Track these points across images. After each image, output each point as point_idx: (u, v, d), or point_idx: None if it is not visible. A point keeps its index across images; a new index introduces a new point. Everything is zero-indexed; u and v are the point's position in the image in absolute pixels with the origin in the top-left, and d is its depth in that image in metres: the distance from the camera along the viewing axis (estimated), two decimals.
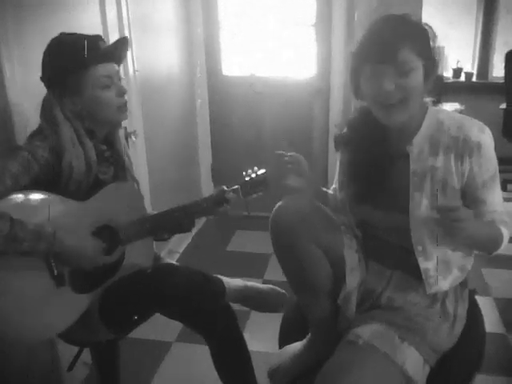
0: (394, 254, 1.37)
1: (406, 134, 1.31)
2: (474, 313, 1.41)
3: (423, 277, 1.30)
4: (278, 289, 1.75)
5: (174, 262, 1.76)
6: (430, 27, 1.28)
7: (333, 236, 1.34)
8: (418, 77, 1.21)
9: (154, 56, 2.78)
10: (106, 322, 1.47)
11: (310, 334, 1.41)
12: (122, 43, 1.51)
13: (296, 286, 1.40)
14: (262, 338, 2.20)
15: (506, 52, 3.39)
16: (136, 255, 1.53)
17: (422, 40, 1.24)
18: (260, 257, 3.10)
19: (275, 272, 2.88)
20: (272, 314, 1.73)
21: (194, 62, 3.34)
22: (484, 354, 1.37)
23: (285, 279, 2.82)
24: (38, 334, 1.38)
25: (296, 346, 1.44)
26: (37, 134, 1.44)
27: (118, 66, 1.51)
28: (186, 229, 1.62)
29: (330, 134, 3.40)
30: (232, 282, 1.66)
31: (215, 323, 1.55)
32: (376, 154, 1.34)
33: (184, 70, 3.23)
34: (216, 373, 1.68)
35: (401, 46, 1.18)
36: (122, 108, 1.49)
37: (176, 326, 2.42)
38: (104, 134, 1.54)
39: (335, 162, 3.41)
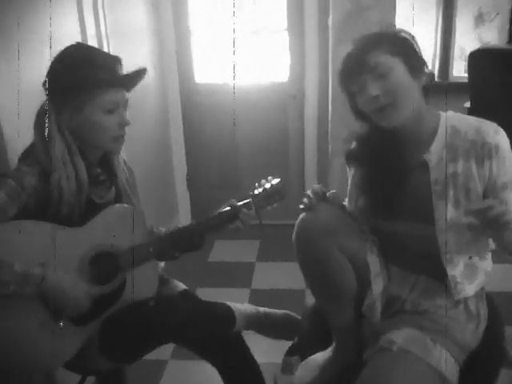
0: (417, 260, 1.36)
1: (421, 143, 1.31)
2: (492, 311, 1.42)
3: (451, 284, 1.30)
4: (293, 314, 1.65)
5: (184, 286, 1.67)
6: (404, 31, 1.31)
7: (356, 243, 1.33)
8: (398, 74, 1.23)
9: (129, 64, 2.69)
10: (107, 352, 1.39)
11: (334, 343, 1.39)
12: (141, 74, 1.44)
13: (320, 294, 1.38)
14: (260, 349, 2.16)
15: (468, 53, 3.50)
16: (138, 283, 1.43)
17: (393, 40, 1.27)
18: (244, 266, 3.07)
19: (262, 280, 2.90)
20: None
21: (166, 70, 3.26)
22: (506, 349, 1.39)
23: (273, 287, 2.80)
24: (35, 368, 1.33)
25: (320, 357, 1.42)
26: (28, 154, 1.35)
27: (128, 92, 1.43)
28: (196, 247, 1.54)
29: (305, 139, 3.41)
30: (242, 308, 1.57)
31: (226, 354, 1.51)
32: (392, 166, 1.33)
33: (156, 79, 3.15)
34: None
35: (369, 51, 1.24)
36: (118, 139, 1.40)
37: (169, 344, 2.36)
38: (98, 157, 1.45)
39: (311, 166, 3.44)
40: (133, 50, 2.75)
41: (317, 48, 3.14)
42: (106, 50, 2.26)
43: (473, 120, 1.30)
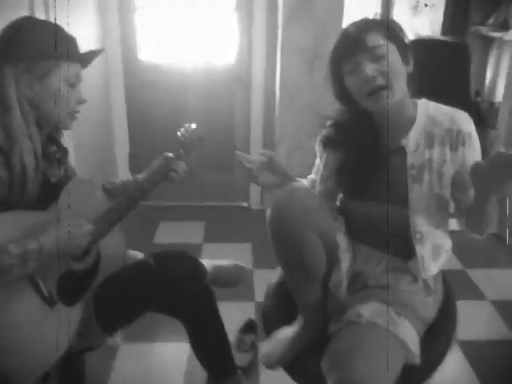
0: (385, 239, 1.41)
1: (400, 129, 1.37)
2: (446, 285, 1.52)
3: (419, 264, 1.38)
4: (239, 263, 1.83)
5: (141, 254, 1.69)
6: (396, 22, 1.36)
7: (328, 222, 1.36)
8: (394, 58, 1.28)
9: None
10: (102, 322, 1.41)
11: (301, 318, 1.43)
12: (98, 54, 1.46)
13: (293, 274, 1.40)
14: None
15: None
16: (110, 249, 1.46)
17: (390, 27, 1.31)
18: (191, 247, 3.04)
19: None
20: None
21: (108, 47, 3.14)
22: (457, 324, 1.49)
23: None
24: (44, 361, 1.28)
25: (286, 331, 1.45)
26: None
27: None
28: (139, 203, 1.56)
29: (251, 121, 3.41)
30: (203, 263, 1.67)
31: (200, 304, 1.58)
32: (370, 150, 1.38)
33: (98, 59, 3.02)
34: (169, 369, 1.92)
35: (367, 32, 1.27)
36: (72, 115, 1.40)
37: None
38: (46, 134, 1.41)
39: (256, 151, 3.44)
40: (76, 25, 2.63)
41: (265, 29, 3.13)
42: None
43: (447, 109, 1.37)
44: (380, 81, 1.26)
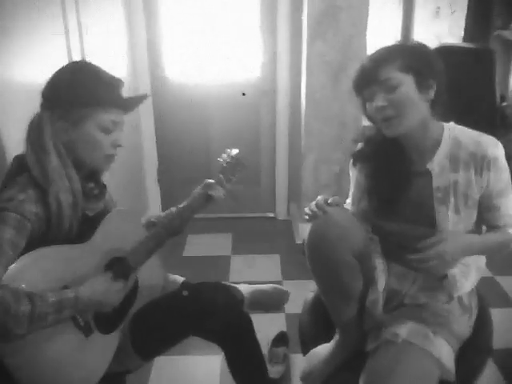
0: None
1: (425, 152, 1.41)
2: (481, 303, 1.54)
3: (451, 282, 1.41)
4: (281, 287, 1.84)
5: (181, 278, 1.72)
6: (422, 44, 1.39)
7: (364, 243, 1.39)
8: (406, 90, 1.32)
9: (102, 63, 2.64)
10: (139, 350, 1.44)
11: (338, 335, 1.46)
12: (142, 99, 1.46)
13: (329, 294, 1.44)
14: None
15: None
16: (147, 276, 1.50)
17: (407, 57, 1.35)
18: (220, 259, 3.10)
19: (239, 274, 2.95)
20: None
21: (137, 68, 3.21)
22: (493, 339, 1.50)
23: (251, 280, 2.84)
24: None
25: (323, 349, 1.48)
26: (13, 178, 1.29)
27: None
28: (180, 232, 1.59)
29: (276, 136, 3.46)
30: (242, 289, 1.68)
31: (236, 332, 1.58)
32: (396, 170, 1.43)
33: (128, 77, 3.10)
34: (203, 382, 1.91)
35: (381, 66, 1.33)
36: (109, 158, 1.41)
37: None
38: (88, 172, 1.45)
39: (281, 163, 3.50)
40: (105, 49, 2.71)
41: (289, 44, 3.18)
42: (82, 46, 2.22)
43: (473, 133, 1.40)
44: (389, 111, 1.33)
